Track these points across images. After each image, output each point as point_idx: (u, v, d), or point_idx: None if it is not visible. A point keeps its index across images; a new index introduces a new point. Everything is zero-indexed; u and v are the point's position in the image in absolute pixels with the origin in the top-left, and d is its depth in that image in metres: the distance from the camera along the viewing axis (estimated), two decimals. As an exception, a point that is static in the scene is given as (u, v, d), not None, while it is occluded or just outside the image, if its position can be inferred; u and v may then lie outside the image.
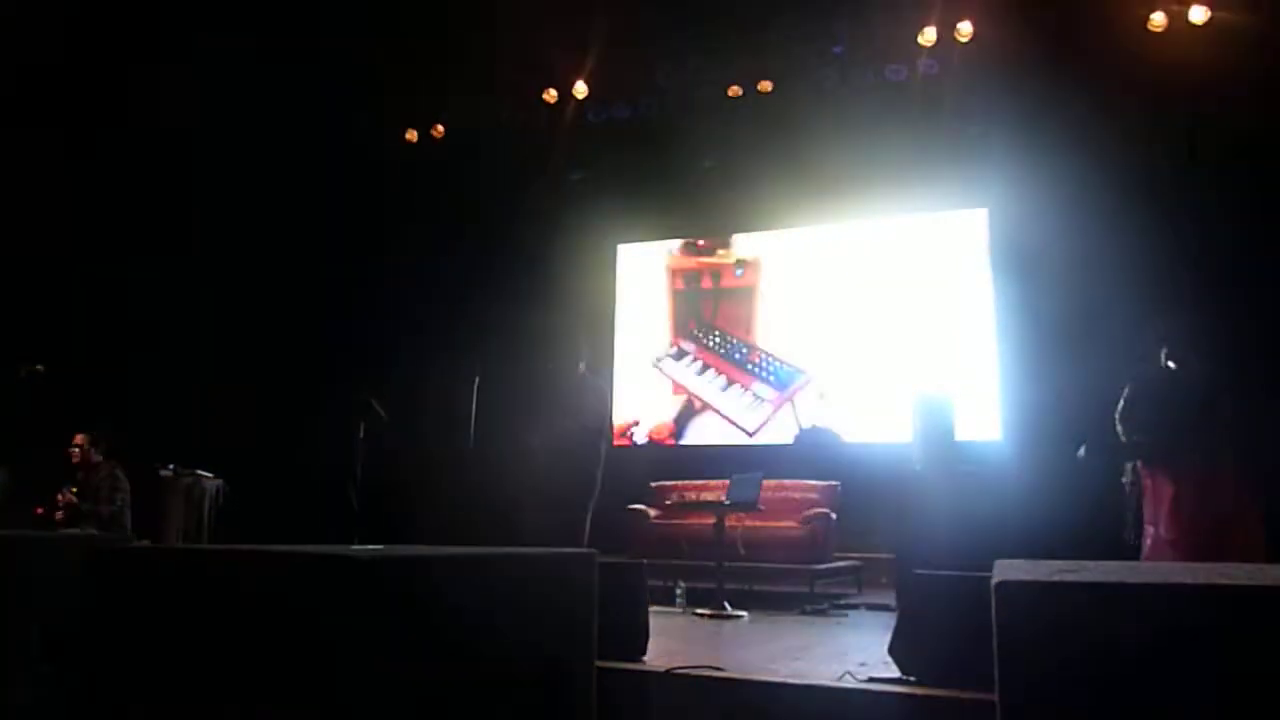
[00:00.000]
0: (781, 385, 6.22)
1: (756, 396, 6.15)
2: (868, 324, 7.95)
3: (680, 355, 6.31)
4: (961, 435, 6.03)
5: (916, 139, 7.63)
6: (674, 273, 6.45)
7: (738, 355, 6.26)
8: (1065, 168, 6.84)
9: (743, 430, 6.24)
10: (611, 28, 7.26)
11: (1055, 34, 6.62)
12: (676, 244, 6.71)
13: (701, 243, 6.67)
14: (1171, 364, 4.40)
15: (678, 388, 6.47)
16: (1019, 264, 7.40)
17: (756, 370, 6.25)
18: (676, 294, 6.42)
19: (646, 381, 6.43)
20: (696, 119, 8.10)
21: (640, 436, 6.61)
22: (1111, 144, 6.81)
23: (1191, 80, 6.52)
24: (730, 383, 6.23)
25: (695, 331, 6.36)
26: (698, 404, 6.46)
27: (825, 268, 8.27)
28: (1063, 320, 6.82)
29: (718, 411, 6.30)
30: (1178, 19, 6.51)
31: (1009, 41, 6.73)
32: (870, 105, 7.56)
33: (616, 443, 7.59)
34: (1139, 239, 6.55)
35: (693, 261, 6.46)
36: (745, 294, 6.27)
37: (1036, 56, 6.77)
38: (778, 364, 6.25)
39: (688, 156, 8.48)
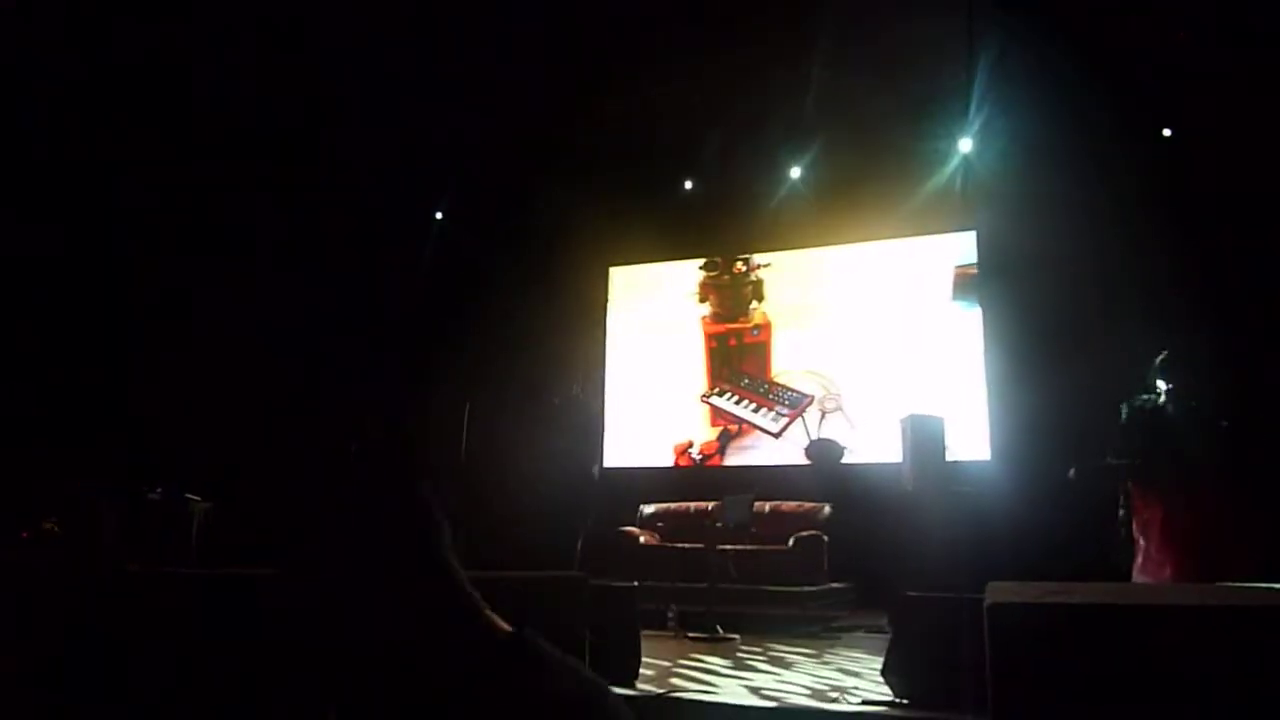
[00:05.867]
0: (793, 405, 8.41)
1: (777, 413, 8.45)
2: (857, 346, 8.18)
3: (722, 393, 8.76)
4: (952, 456, 6.04)
5: (906, 162, 7.69)
6: (708, 335, 9.02)
7: (761, 389, 8.63)
8: (1054, 191, 6.89)
9: (769, 433, 8.42)
10: (600, 49, 7.26)
11: (1043, 57, 6.66)
12: (707, 310, 9.15)
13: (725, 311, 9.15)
14: (1162, 385, 4.42)
15: (716, 420, 8.74)
16: (1008, 285, 7.43)
17: (775, 397, 8.54)
18: (711, 350, 9.02)
19: (693, 415, 8.86)
20: (686, 142, 8.15)
21: (695, 453, 8.74)
22: (1100, 167, 6.85)
23: (1178, 98, 6.58)
24: (759, 407, 8.55)
25: (730, 376, 8.83)
26: (733, 429, 8.62)
27: (817, 291, 8.54)
28: (1051, 341, 6.85)
29: (752, 424, 8.53)
30: (1163, 39, 6.54)
31: (998, 65, 6.77)
32: (859, 127, 7.62)
33: (677, 461, 8.61)
34: (1127, 261, 6.60)
35: (721, 327, 9.02)
36: (760, 348, 8.82)
37: (1026, 80, 6.81)
38: (789, 391, 8.48)
39: (678, 179, 8.56)
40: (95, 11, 6.79)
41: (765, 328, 8.82)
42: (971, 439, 7.27)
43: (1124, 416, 4.42)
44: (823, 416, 8.27)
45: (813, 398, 8.34)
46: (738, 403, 8.66)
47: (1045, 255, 6.95)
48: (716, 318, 9.10)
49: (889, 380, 7.90)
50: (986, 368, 7.53)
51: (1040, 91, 6.86)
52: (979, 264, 7.82)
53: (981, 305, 7.71)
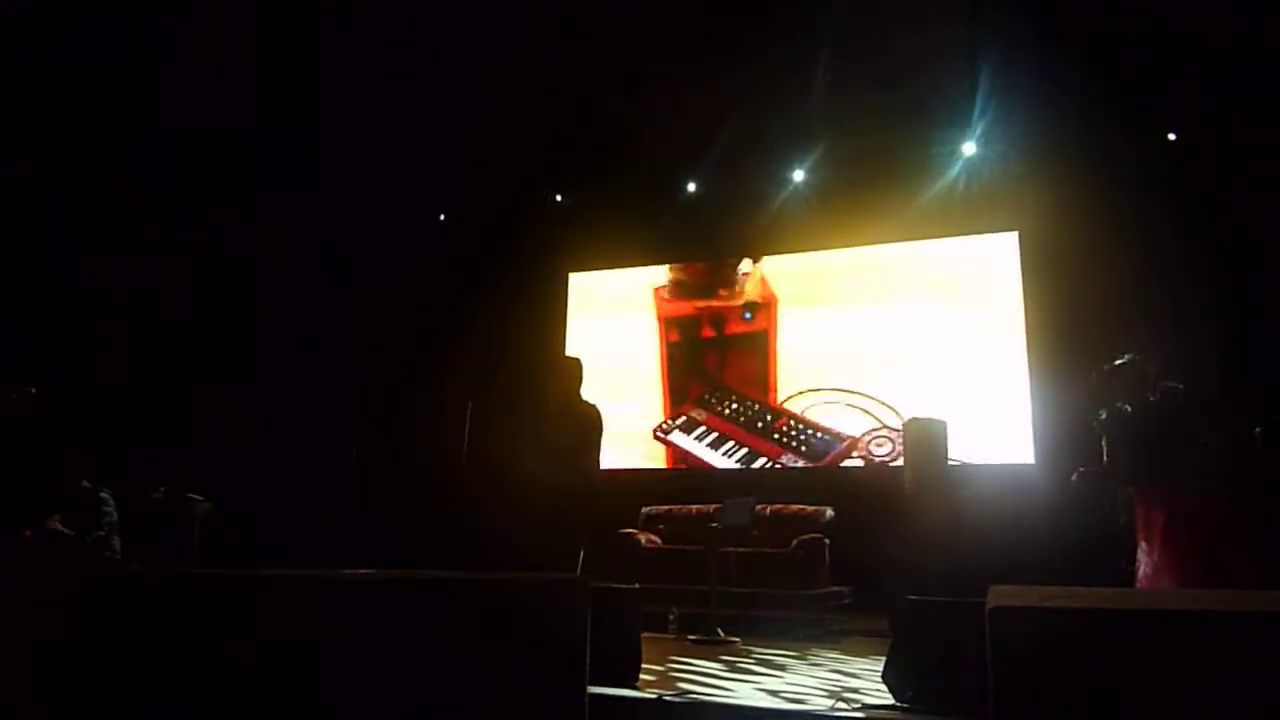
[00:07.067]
0: (817, 455, 5.11)
1: (789, 470, 5.06)
2: (886, 345, 7.27)
3: (691, 426, 5.19)
4: (953, 459, 6.00)
5: (904, 167, 7.63)
6: (665, 321, 5.35)
7: (760, 424, 5.20)
8: (1097, 190, 6.79)
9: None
10: (597, 53, 7.23)
11: (1086, 58, 6.57)
12: (662, 277, 5.46)
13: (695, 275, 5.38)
14: (1153, 396, 4.41)
15: (674, 460, 5.40)
16: (1038, 290, 7.33)
17: (785, 440, 5.21)
18: (671, 346, 5.33)
19: (640, 452, 5.20)
20: (684, 147, 8.05)
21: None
22: (1144, 167, 6.79)
23: (1223, 98, 6.52)
24: (755, 456, 5.24)
25: (706, 396, 5.29)
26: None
27: (842, 295, 7.49)
28: (1080, 343, 6.68)
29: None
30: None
31: (1040, 65, 6.67)
32: (859, 131, 7.54)
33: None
34: (1168, 260, 6.46)
35: (688, 305, 5.32)
36: (757, 341, 5.15)
37: (1067, 78, 6.73)
38: (810, 431, 5.17)
39: (679, 183, 8.46)
40: (95, 11, 6.81)
41: (767, 307, 5.67)
42: (969, 443, 7.15)
43: (1097, 423, 4.42)
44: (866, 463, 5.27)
45: (854, 439, 5.48)
46: (717, 446, 5.37)
47: (1073, 256, 6.90)
48: (679, 289, 5.74)
49: (913, 382, 6.55)
50: (1025, 367, 7.19)
51: (1046, 96, 6.84)
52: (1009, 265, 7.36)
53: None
